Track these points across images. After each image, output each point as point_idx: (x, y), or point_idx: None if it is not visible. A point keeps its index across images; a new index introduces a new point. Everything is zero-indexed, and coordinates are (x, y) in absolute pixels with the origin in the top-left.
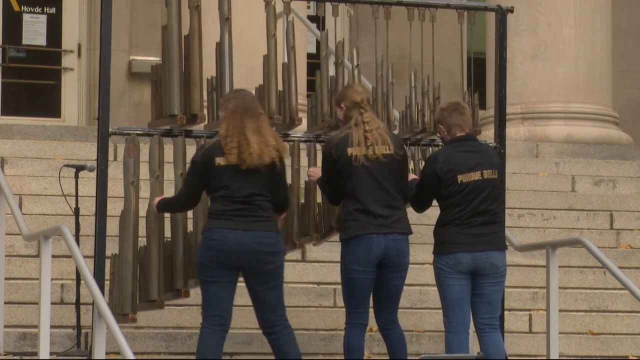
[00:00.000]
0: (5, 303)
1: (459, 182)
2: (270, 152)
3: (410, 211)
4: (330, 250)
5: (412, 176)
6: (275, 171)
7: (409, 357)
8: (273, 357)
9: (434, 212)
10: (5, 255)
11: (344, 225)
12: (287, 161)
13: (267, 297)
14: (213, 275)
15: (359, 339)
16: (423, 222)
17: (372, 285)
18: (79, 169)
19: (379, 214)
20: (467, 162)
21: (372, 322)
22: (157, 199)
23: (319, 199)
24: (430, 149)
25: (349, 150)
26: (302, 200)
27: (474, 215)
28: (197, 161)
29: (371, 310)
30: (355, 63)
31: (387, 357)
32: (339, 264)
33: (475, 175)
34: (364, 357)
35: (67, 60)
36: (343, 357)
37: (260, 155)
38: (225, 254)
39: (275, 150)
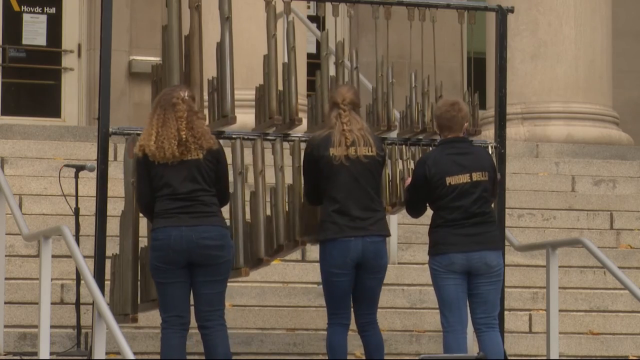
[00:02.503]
0: (5, 303)
1: (448, 184)
2: None
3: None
4: None
5: (409, 180)
6: None
7: (408, 357)
8: (273, 358)
9: None
10: (5, 255)
11: (321, 226)
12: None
13: (207, 290)
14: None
15: (341, 338)
16: (423, 223)
17: (352, 286)
18: (79, 169)
19: (357, 215)
20: (455, 164)
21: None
22: None
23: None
24: (431, 149)
25: (331, 151)
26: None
27: (465, 217)
28: None
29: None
30: (355, 65)
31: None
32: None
33: (464, 178)
34: (354, 358)
35: (67, 60)
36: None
37: None
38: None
39: None
